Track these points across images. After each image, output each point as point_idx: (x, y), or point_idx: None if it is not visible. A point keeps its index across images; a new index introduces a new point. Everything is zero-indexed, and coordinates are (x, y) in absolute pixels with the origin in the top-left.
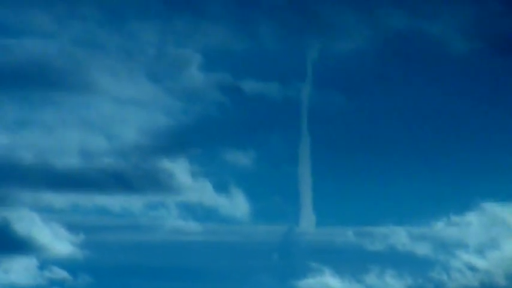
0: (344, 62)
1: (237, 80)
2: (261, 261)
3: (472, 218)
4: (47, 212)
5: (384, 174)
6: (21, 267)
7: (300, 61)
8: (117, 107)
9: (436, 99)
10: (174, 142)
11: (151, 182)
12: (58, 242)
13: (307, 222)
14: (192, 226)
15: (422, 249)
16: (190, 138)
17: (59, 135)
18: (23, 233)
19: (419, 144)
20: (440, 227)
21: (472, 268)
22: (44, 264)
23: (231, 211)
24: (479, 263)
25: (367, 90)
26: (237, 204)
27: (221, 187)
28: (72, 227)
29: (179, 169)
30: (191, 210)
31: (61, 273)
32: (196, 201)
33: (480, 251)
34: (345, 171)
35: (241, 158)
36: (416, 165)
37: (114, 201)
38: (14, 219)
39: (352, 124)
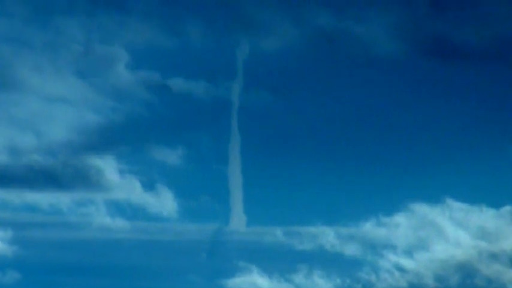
0: (274, 61)
1: (165, 79)
2: (189, 260)
3: (400, 219)
4: None
5: (313, 175)
6: None
7: (228, 60)
8: (45, 104)
9: (364, 99)
10: (102, 140)
11: (80, 180)
12: None
13: (238, 221)
14: (120, 224)
15: (351, 250)
16: (118, 136)
17: None
18: None
19: (348, 145)
20: (369, 228)
21: (401, 269)
22: None
23: (160, 209)
24: (408, 263)
25: (298, 90)
26: (165, 203)
27: (149, 185)
28: (0, 223)
29: (107, 167)
30: (119, 208)
31: None
32: (124, 199)
33: (408, 252)
34: (275, 171)
35: (170, 157)
36: (345, 166)
37: (43, 198)
38: None
39: (283, 124)
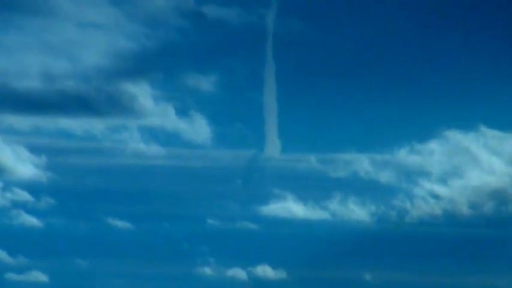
0: None
1: (199, 5)
2: (224, 187)
3: (434, 146)
4: (9, 134)
5: (347, 102)
6: None
7: None
8: (79, 30)
9: (400, 25)
10: (136, 66)
11: (113, 106)
12: (20, 164)
13: (273, 148)
14: (154, 150)
15: (385, 177)
16: (152, 63)
17: (21, 58)
18: None
19: (384, 71)
20: (403, 155)
21: (435, 196)
22: (6, 186)
23: (194, 136)
24: (442, 191)
25: (332, 16)
26: (199, 129)
27: (183, 111)
28: (34, 149)
29: (141, 93)
30: (153, 134)
31: (24, 195)
32: (158, 125)
33: (443, 179)
34: (310, 98)
35: (204, 83)
36: (379, 92)
37: (76, 124)
38: None
39: (317, 51)
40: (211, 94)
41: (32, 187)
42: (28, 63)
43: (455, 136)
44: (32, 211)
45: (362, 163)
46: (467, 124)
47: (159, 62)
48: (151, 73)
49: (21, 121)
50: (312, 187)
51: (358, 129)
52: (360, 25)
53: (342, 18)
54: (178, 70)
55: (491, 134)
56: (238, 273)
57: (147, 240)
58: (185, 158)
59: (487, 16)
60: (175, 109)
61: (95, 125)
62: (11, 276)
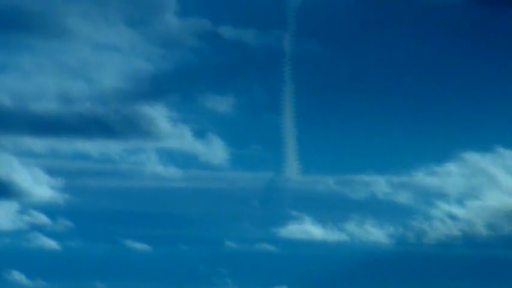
0: (325, 9)
1: (215, 26)
2: (242, 209)
3: (452, 167)
4: (27, 157)
5: (365, 124)
6: (1, 212)
7: (278, 8)
8: (95, 52)
9: (417, 48)
10: (153, 88)
11: (131, 128)
12: (38, 186)
13: (292, 170)
14: (172, 172)
15: (403, 198)
16: (168, 84)
17: (38, 80)
18: (2, 177)
19: (401, 94)
20: (421, 177)
21: (453, 217)
22: (23, 209)
23: (211, 158)
24: (460, 212)
25: (350, 37)
26: (217, 151)
27: (200, 133)
28: (51, 172)
29: (158, 115)
30: (171, 156)
31: (41, 218)
32: (175, 147)
33: (460, 201)
34: (328, 120)
35: (221, 105)
36: (397, 115)
37: (94, 146)
38: None
39: (335, 72)
40: (229, 116)
41: (49, 209)
42: (44, 85)
43: (473, 157)
44: (49, 234)
45: (380, 184)
46: (484, 145)
47: (175, 84)
48: (167, 95)
49: (38, 143)
50: (330, 208)
51: (376, 150)
52: (378, 47)
53: (360, 39)
54: (195, 92)
55: (509, 155)
56: None
57: (165, 263)
58: (203, 180)
59: (502, 39)
60: (193, 131)
61: (112, 147)
62: None
